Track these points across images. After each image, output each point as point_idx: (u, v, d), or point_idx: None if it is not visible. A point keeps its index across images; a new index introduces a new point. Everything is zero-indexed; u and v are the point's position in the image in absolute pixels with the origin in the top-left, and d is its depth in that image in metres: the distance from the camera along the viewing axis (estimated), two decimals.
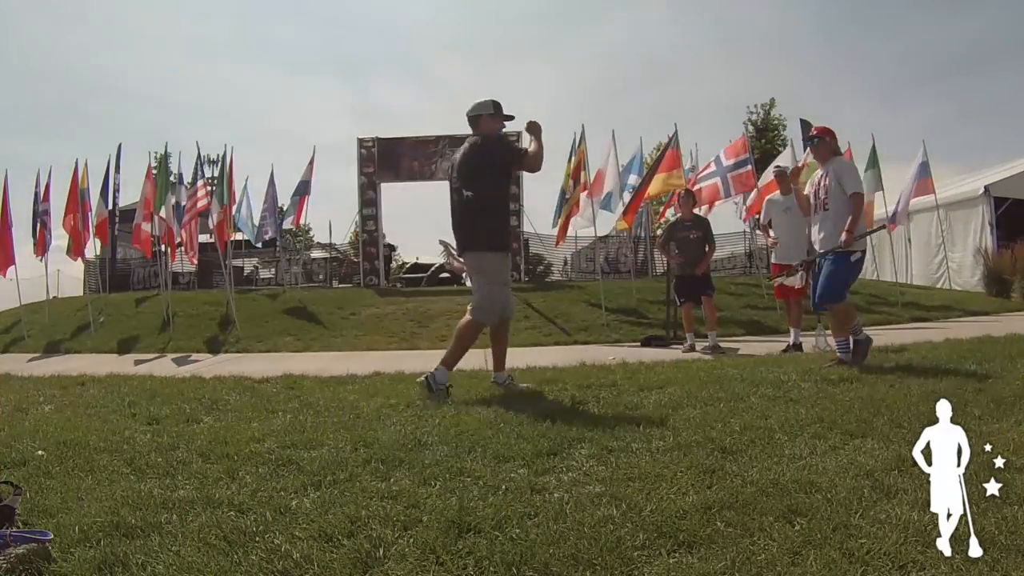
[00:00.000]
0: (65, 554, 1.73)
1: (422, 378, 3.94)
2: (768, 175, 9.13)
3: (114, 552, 1.73)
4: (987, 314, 9.17)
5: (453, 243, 4.47)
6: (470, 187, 4.09)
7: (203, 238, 13.47)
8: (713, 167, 10.12)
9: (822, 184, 4.72)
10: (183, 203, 10.13)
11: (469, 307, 4.15)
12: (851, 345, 4.52)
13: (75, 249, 10.77)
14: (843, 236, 4.43)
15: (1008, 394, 3.15)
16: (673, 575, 1.57)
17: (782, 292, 6.50)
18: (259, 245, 14.26)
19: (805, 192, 4.95)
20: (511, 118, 4.26)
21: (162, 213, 9.89)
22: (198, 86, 66.88)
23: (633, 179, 10.18)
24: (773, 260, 6.67)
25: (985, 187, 12.02)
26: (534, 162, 4.18)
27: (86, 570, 1.65)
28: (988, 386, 3.38)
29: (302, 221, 13.30)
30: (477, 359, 6.52)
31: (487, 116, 4.18)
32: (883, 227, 4.35)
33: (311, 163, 12.32)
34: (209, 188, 10.19)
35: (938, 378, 3.73)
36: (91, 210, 10.64)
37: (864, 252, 4.67)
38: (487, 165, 4.10)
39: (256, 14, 79.60)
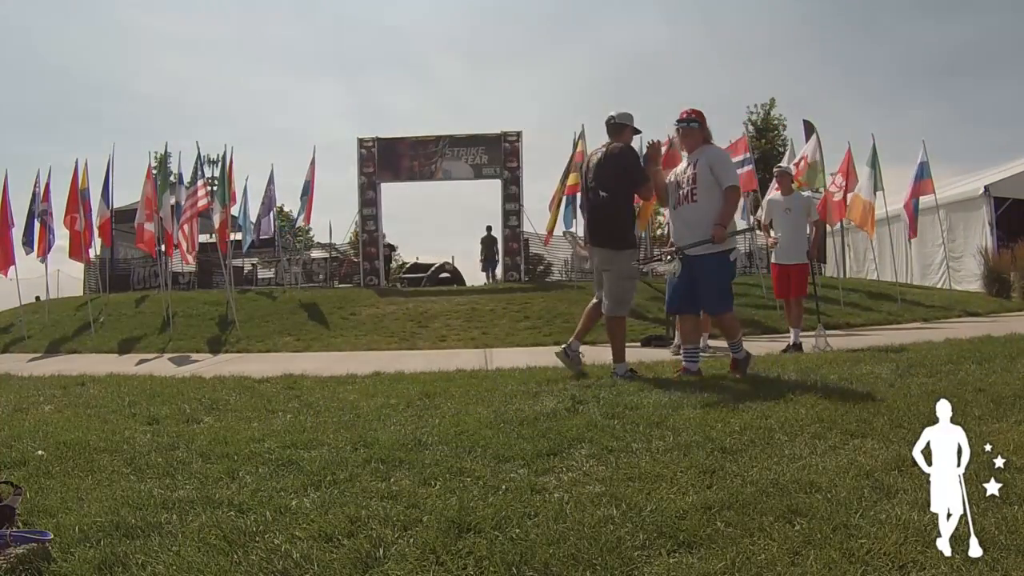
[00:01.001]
0: (65, 554, 1.73)
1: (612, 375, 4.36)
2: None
3: (114, 552, 1.73)
4: (987, 314, 9.17)
5: (579, 234, 4.74)
6: (605, 188, 4.42)
7: (204, 238, 13.47)
8: None
9: (688, 173, 4.29)
10: (183, 203, 10.14)
11: (605, 306, 4.47)
12: (696, 356, 4.39)
13: (74, 250, 10.76)
14: (714, 229, 4.12)
15: (1008, 394, 3.15)
16: (673, 575, 1.57)
17: (782, 291, 6.50)
18: (246, 248, 14.19)
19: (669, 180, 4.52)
20: (640, 132, 4.64)
21: (162, 213, 9.90)
22: (198, 86, 67.02)
23: None
24: (773, 260, 6.67)
25: (985, 187, 12.00)
26: (649, 192, 4.57)
27: (86, 570, 1.65)
28: (988, 386, 3.38)
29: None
30: (477, 359, 6.52)
31: (630, 127, 4.52)
32: (750, 229, 4.23)
33: (312, 163, 12.35)
34: (209, 188, 10.20)
35: (938, 378, 3.73)
36: (92, 211, 10.65)
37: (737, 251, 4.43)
38: (624, 172, 4.42)
39: (257, 14, 79.71)
